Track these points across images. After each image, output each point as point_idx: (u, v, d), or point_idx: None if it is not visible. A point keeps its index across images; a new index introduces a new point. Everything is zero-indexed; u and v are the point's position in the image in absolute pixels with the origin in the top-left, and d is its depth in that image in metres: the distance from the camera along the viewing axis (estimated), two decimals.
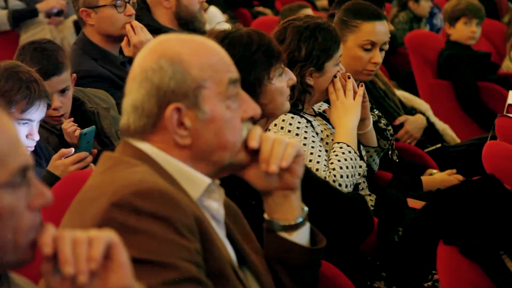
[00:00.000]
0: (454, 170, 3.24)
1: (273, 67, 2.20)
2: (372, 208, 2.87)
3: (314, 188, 2.29)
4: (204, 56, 1.67)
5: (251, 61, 2.16)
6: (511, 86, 4.58)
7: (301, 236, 1.78)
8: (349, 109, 2.80)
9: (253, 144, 1.69)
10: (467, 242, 1.83)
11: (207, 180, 1.66)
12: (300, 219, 1.78)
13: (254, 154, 1.71)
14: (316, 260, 1.81)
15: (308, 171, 2.36)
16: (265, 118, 2.23)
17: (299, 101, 2.72)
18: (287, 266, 1.77)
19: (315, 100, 2.82)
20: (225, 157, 1.67)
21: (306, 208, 1.81)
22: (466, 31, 4.79)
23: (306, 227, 1.79)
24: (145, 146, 1.65)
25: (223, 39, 2.18)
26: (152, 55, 1.67)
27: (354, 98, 2.79)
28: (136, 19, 3.61)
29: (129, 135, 1.68)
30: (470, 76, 4.63)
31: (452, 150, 3.74)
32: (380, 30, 3.17)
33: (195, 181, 1.65)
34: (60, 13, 5.99)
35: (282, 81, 2.24)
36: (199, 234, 1.56)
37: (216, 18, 6.23)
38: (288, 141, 1.71)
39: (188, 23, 3.92)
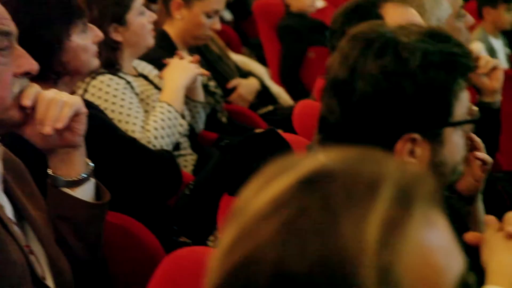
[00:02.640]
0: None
1: (73, 24, 2.19)
2: (193, 167, 2.92)
3: (120, 145, 2.32)
4: None
5: (48, 19, 2.14)
6: None
7: (85, 192, 1.80)
8: (182, 68, 2.84)
9: (25, 102, 1.68)
10: None
11: None
12: (84, 175, 1.79)
13: (30, 112, 1.70)
14: (100, 215, 1.83)
15: (114, 129, 2.38)
16: (69, 76, 2.23)
17: (111, 60, 2.72)
18: (70, 221, 1.78)
19: (131, 55, 2.82)
20: None
21: (91, 164, 1.83)
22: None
23: (91, 183, 1.81)
24: None
25: None
26: None
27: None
28: None
29: None
30: (298, 50, 4.76)
31: (283, 112, 3.83)
32: None
33: None
34: None
35: (85, 38, 2.23)
36: None
37: None
38: (65, 101, 1.71)
39: None
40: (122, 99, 2.68)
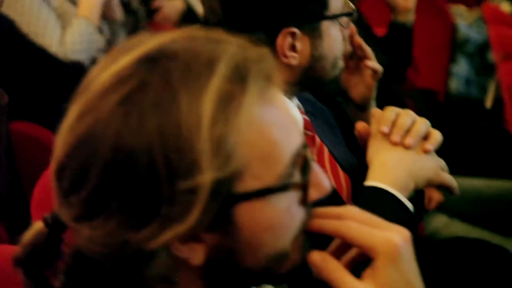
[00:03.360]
0: None
1: None
2: None
3: (28, 53, 2.34)
4: None
5: None
6: None
7: None
8: None
9: None
10: None
11: None
12: None
13: None
14: None
15: (22, 37, 2.40)
16: None
17: None
18: None
19: None
20: None
21: None
22: None
23: None
24: None
25: None
26: None
27: None
28: None
29: None
30: None
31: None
32: None
33: None
34: None
35: None
36: None
37: None
38: None
39: None
40: (38, 13, 2.67)
